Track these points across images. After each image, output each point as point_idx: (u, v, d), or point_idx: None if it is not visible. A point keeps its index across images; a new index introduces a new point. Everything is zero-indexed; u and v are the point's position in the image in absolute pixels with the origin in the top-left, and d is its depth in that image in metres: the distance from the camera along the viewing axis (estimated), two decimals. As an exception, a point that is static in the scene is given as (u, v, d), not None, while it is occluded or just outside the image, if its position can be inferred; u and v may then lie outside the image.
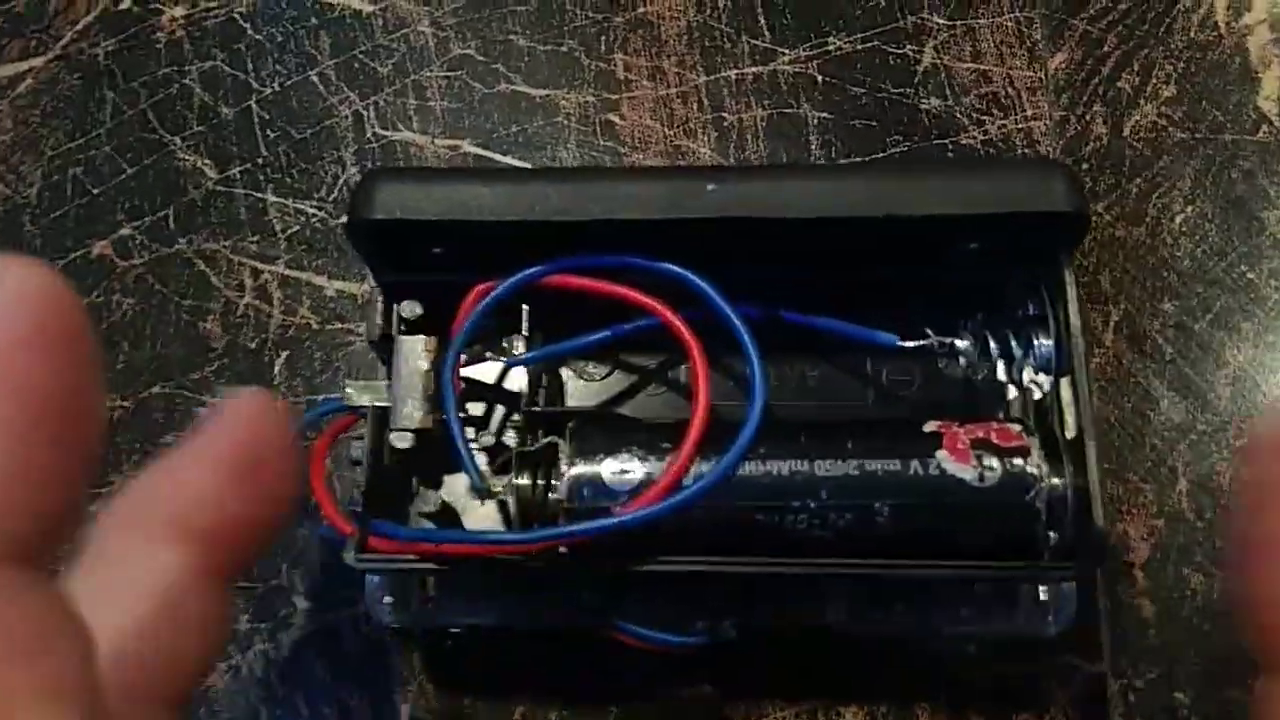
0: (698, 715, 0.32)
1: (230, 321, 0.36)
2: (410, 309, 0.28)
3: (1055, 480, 0.26)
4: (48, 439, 0.14)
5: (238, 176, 0.38)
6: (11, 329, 0.13)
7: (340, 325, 0.36)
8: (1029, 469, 0.26)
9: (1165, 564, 0.32)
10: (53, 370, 0.14)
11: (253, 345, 0.36)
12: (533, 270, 0.27)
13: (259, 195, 0.38)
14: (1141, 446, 0.33)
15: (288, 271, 0.36)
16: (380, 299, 0.28)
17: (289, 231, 0.37)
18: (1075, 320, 0.27)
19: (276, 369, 0.35)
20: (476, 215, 0.26)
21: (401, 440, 0.27)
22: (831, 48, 0.38)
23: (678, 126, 0.38)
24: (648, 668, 0.31)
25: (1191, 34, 0.38)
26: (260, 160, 0.38)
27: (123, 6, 0.40)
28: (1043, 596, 0.29)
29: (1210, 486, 0.33)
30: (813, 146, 0.37)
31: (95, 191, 0.38)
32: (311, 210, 0.37)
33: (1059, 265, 0.27)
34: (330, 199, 0.37)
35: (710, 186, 0.26)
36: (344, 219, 0.32)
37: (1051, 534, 0.26)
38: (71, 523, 0.15)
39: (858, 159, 0.37)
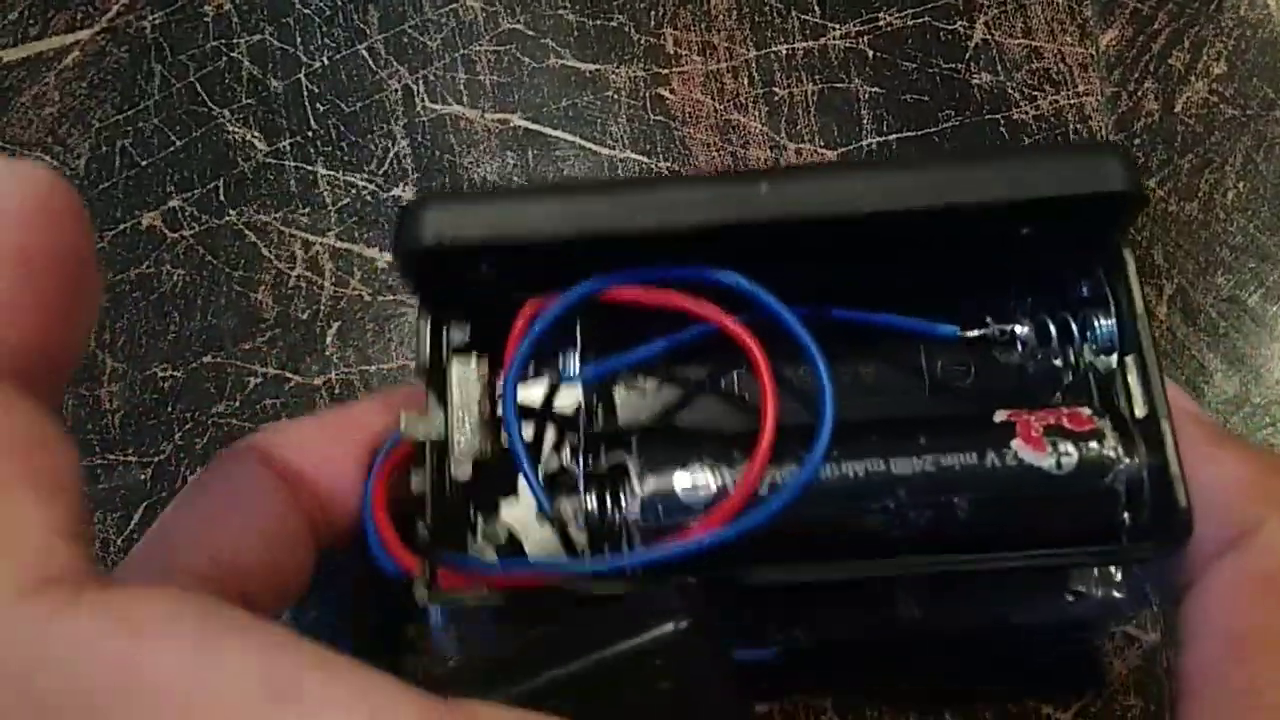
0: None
1: (282, 293, 0.36)
2: (459, 334, 0.27)
3: (1130, 461, 0.26)
4: (53, 285, 0.17)
5: (288, 149, 0.38)
6: (22, 206, 0.17)
7: (392, 297, 0.36)
8: (1105, 452, 0.25)
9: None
10: (55, 233, 0.17)
11: (304, 316, 0.36)
12: (592, 284, 0.25)
13: (309, 168, 0.37)
14: (1196, 420, 0.33)
15: (339, 243, 0.36)
16: (428, 327, 0.27)
17: (340, 204, 0.37)
18: (1138, 298, 0.26)
19: (328, 340, 0.35)
20: (529, 234, 0.25)
21: (462, 469, 0.25)
22: (882, 23, 0.38)
23: (728, 101, 0.38)
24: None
25: (1241, 12, 0.38)
26: (310, 133, 0.38)
27: (170, -20, 0.40)
28: (1117, 578, 0.28)
29: (1265, 460, 0.33)
30: (864, 122, 0.37)
31: (144, 164, 0.38)
32: (362, 183, 0.37)
33: (1114, 245, 0.27)
34: (381, 172, 0.37)
35: (763, 187, 0.25)
36: (391, 241, 0.30)
37: (1126, 515, 0.26)
38: (67, 364, 0.18)
39: (910, 134, 0.37)
